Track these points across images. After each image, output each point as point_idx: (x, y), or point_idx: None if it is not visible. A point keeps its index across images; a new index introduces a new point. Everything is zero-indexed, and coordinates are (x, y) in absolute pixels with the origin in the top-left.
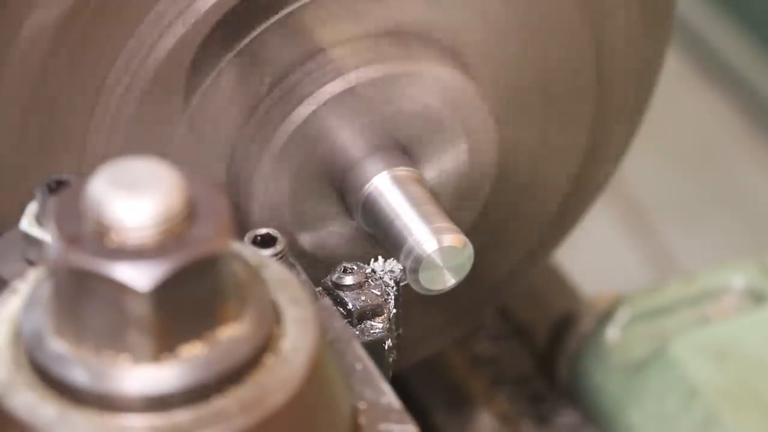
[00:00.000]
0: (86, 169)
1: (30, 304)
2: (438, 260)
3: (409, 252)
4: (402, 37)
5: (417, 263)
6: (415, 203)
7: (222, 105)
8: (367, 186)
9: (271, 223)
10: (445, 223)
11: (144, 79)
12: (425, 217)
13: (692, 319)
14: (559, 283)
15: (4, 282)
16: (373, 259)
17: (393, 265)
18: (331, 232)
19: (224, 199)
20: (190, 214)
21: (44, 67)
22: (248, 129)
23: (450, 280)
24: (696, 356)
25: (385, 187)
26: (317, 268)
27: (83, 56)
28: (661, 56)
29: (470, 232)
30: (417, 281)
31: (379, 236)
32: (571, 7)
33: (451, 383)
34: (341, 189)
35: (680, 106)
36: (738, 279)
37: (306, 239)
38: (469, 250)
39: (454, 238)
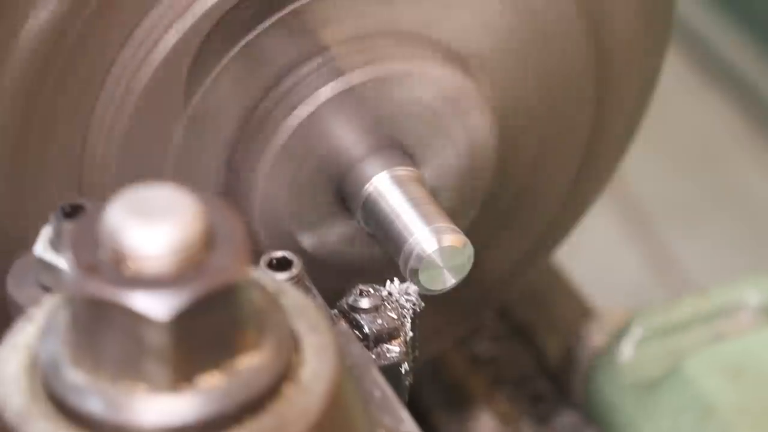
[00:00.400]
0: (86, 170)
1: (46, 332)
2: (438, 260)
3: (409, 252)
4: (402, 37)
5: (417, 263)
6: (415, 203)
7: (222, 105)
8: (367, 186)
9: (271, 223)
10: (445, 223)
11: (144, 79)
12: (425, 217)
13: (707, 336)
14: (558, 283)
15: (19, 307)
16: (389, 281)
17: (409, 287)
18: (331, 232)
19: (242, 225)
20: (208, 241)
21: (44, 67)
22: (248, 129)
23: (450, 280)
24: (711, 374)
25: (385, 187)
26: (317, 269)
27: (83, 56)
28: (661, 56)
29: (470, 232)
30: (417, 281)
31: (379, 236)
32: (571, 7)
33: (451, 383)
34: (341, 189)
35: (680, 106)
36: (752, 295)
37: (306, 239)
38: (469, 250)
39: (454, 238)
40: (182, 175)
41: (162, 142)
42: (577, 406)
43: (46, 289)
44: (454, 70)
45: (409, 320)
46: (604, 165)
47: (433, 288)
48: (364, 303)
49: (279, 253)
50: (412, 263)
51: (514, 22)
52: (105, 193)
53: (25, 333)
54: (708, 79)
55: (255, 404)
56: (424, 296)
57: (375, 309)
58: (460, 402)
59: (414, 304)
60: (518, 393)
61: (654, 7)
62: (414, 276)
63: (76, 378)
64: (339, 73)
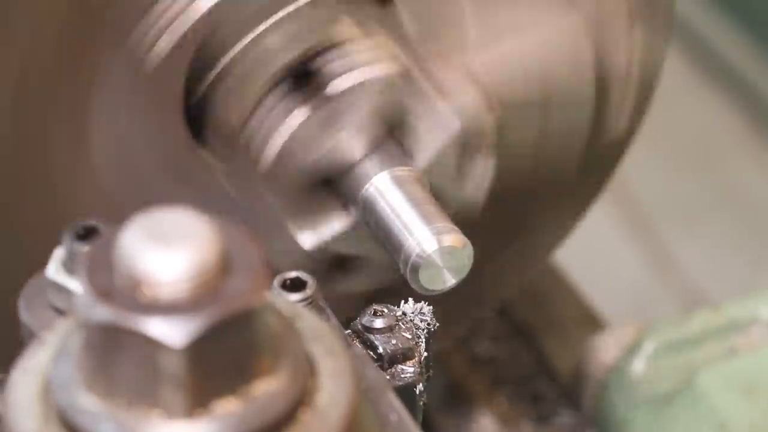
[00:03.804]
0: (86, 171)
1: (59, 356)
2: (438, 260)
3: (410, 252)
4: (403, 38)
5: (417, 263)
6: (415, 203)
7: (222, 105)
8: (367, 186)
9: (271, 224)
10: (445, 223)
11: (144, 79)
12: (425, 217)
13: (720, 352)
14: (558, 283)
15: (31, 331)
16: (403, 301)
17: (424, 307)
18: (330, 232)
19: (259, 249)
20: (224, 266)
21: (43, 68)
22: (248, 129)
23: (450, 280)
24: (725, 389)
25: (385, 187)
26: (317, 269)
27: (83, 57)
28: (661, 56)
29: (470, 232)
30: (417, 281)
31: (379, 236)
32: (571, 8)
33: (451, 383)
34: (341, 189)
35: (680, 106)
36: (765, 309)
37: (306, 239)
38: (469, 250)
39: (454, 238)
40: (182, 176)
41: (161, 143)
42: (577, 407)
43: (59, 311)
44: (454, 69)
45: (423, 340)
46: (604, 165)
47: (433, 288)
48: (378, 323)
49: (293, 274)
50: (412, 263)
51: (513, 22)
52: (100, 202)
53: (38, 357)
54: (708, 79)
55: (271, 431)
56: (424, 296)
57: (389, 329)
58: (460, 402)
59: (428, 324)
60: (518, 393)
61: (654, 6)
62: (414, 276)
63: (89, 403)
64: (339, 73)
